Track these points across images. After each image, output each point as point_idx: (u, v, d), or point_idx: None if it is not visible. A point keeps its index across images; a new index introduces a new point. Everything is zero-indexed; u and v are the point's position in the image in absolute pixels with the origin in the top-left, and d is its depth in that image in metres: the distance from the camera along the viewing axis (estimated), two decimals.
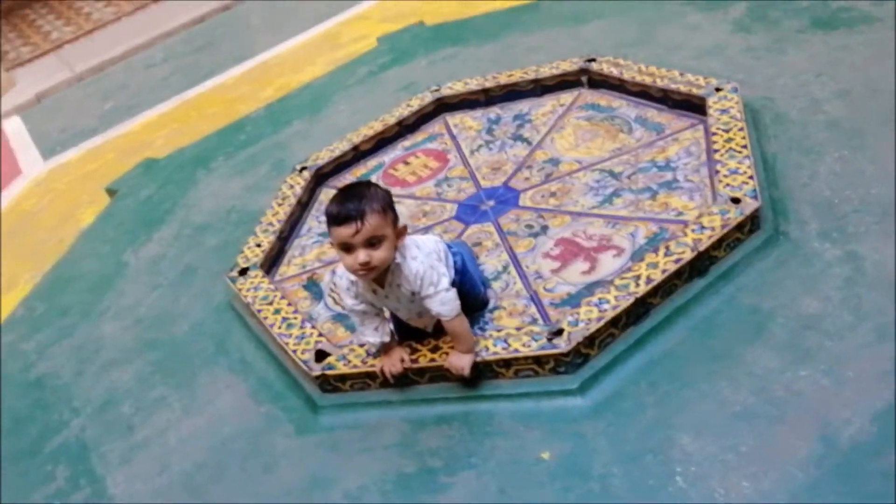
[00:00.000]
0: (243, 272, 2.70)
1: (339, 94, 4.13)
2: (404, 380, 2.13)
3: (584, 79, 3.23)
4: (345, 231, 1.83)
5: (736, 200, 2.22)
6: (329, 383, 2.21)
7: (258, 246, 2.81)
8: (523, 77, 3.30)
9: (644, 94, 3.00)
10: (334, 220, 1.84)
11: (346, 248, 1.86)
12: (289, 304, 2.48)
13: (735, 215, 2.17)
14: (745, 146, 2.42)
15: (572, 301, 2.22)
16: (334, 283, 2.63)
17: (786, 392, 1.80)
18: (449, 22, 4.49)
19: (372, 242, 1.84)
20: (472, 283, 2.20)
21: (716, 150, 2.45)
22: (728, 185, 2.29)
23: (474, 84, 3.39)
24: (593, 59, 3.21)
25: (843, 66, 2.86)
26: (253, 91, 4.76)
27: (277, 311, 2.46)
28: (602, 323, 1.99)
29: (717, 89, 2.74)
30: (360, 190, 1.88)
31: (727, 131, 2.51)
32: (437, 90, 3.44)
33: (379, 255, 1.85)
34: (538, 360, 2.00)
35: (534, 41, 3.87)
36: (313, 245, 2.90)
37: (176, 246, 3.25)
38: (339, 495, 1.95)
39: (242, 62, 5.33)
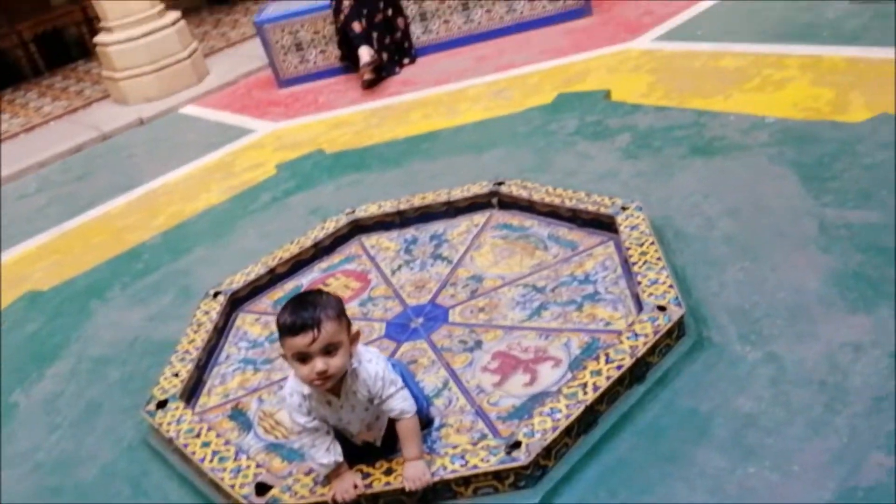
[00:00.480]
0: (162, 405, 2.53)
1: (242, 219, 4.09)
2: None
3: (494, 200, 3.39)
4: (301, 340, 1.82)
5: (662, 308, 2.36)
6: None
7: (175, 375, 2.66)
8: (436, 199, 3.42)
9: (553, 213, 3.18)
10: (289, 330, 1.83)
11: (302, 357, 1.85)
12: (218, 436, 2.34)
13: (664, 322, 2.30)
14: (659, 258, 2.60)
15: (519, 413, 2.23)
16: (262, 412, 2.52)
17: (740, 489, 1.87)
18: (349, 150, 4.62)
19: (328, 350, 1.85)
20: (414, 397, 2.19)
21: (633, 263, 2.61)
22: (651, 294, 2.44)
23: (388, 207, 3.46)
24: (502, 183, 3.39)
25: (726, 187, 3.17)
26: (143, 220, 4.61)
27: (206, 444, 2.31)
28: (557, 433, 2.02)
29: (623, 208, 2.95)
30: (313, 298, 1.89)
31: (640, 245, 2.69)
32: (351, 213, 3.49)
33: (336, 362, 1.86)
34: (498, 476, 1.98)
35: (437, 168, 4.03)
36: (234, 373, 2.78)
37: (74, 382, 3.01)
38: None
39: (127, 191, 5.17)
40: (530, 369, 2.40)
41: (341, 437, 2.09)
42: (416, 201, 3.45)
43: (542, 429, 2.03)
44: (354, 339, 1.95)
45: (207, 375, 2.80)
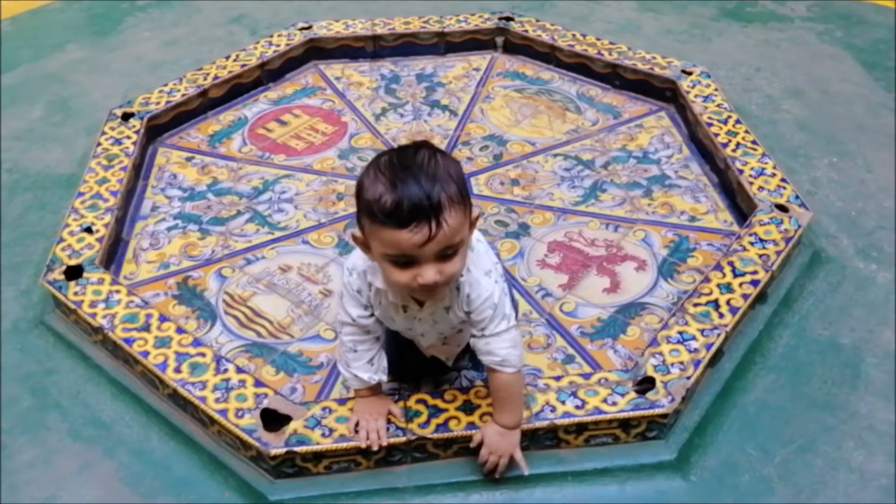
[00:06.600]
0: (73, 273, 1.70)
1: (131, 16, 3.05)
2: (400, 455, 1.42)
3: (499, 40, 2.67)
4: (409, 237, 1.07)
5: (782, 208, 1.85)
6: (292, 464, 1.40)
7: (88, 230, 1.81)
8: (425, 27, 2.63)
9: (579, 67, 2.53)
10: (390, 215, 1.07)
11: (403, 262, 1.11)
12: (179, 331, 1.58)
13: (792, 226, 1.80)
14: (755, 142, 2.08)
15: (609, 330, 1.68)
16: (230, 296, 1.77)
17: None
18: None
19: (446, 253, 1.11)
20: (513, 302, 1.51)
21: (724, 144, 2.07)
22: (761, 187, 1.92)
23: (360, 28, 2.63)
24: (511, 18, 2.66)
25: (778, 62, 2.68)
26: None
27: (165, 343, 1.55)
28: (700, 368, 1.49)
29: (686, 72, 2.37)
30: (425, 160, 1.10)
31: (724, 123, 2.15)
32: (307, 28, 2.62)
33: (452, 268, 1.13)
34: (624, 424, 1.43)
35: None
36: (170, 232, 1.96)
37: None
38: None
39: None
40: (607, 270, 1.83)
41: (395, 339, 1.43)
42: (398, 26, 2.65)
43: (676, 361, 1.50)
44: (473, 224, 1.19)
45: (128, 233, 1.96)
